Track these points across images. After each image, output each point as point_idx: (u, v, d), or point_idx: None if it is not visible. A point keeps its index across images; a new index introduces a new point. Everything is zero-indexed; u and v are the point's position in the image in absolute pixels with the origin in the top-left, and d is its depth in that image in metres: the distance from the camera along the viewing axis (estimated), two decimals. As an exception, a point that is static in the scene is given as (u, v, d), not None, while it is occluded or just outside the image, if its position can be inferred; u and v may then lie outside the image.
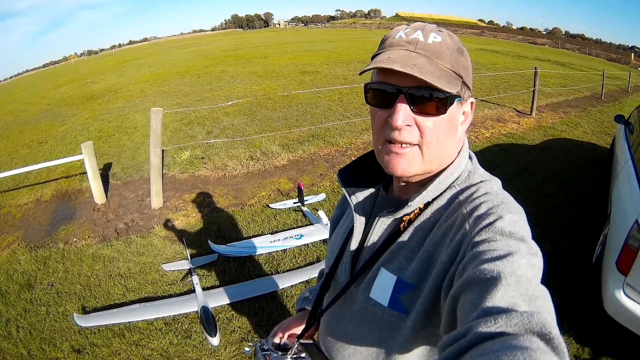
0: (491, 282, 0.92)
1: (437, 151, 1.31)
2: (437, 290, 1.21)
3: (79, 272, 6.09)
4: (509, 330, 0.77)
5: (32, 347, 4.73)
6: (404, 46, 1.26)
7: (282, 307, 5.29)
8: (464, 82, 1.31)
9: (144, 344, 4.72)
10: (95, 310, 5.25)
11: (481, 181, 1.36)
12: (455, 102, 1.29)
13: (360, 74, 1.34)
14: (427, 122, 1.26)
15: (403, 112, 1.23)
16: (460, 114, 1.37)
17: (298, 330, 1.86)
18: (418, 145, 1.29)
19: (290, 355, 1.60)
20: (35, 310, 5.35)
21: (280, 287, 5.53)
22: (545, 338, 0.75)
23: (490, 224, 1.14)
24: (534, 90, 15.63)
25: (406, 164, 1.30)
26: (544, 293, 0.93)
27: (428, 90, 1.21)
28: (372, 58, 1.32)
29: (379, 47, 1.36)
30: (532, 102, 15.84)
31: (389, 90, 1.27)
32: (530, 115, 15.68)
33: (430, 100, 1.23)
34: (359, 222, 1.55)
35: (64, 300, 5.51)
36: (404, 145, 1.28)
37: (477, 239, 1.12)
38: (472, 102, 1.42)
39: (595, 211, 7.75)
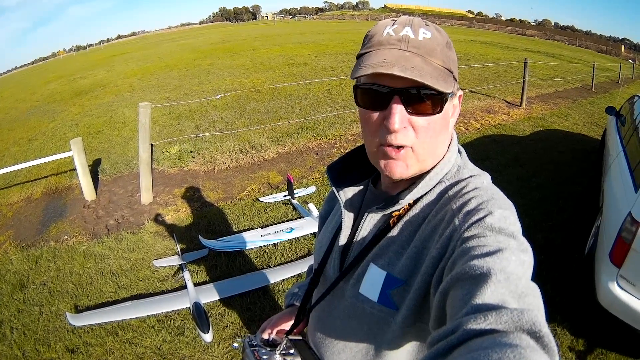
0: (481, 278, 0.92)
1: (431, 149, 1.31)
2: (427, 285, 1.21)
3: (71, 271, 6.08)
4: (499, 328, 0.77)
5: (26, 348, 4.72)
6: (395, 45, 1.22)
7: (274, 302, 5.30)
8: (454, 77, 1.29)
9: (137, 341, 4.72)
10: (88, 308, 5.24)
11: (471, 176, 1.36)
12: (448, 99, 1.28)
13: (353, 78, 1.28)
14: (423, 121, 1.24)
15: (399, 114, 1.21)
16: (450, 109, 1.36)
17: (287, 326, 1.86)
18: (412, 146, 1.27)
19: (279, 351, 1.61)
20: (29, 310, 5.33)
21: (272, 281, 5.54)
22: (535, 336, 0.75)
23: (480, 219, 1.14)
24: (523, 82, 15.69)
25: (403, 167, 1.29)
26: (534, 290, 0.93)
27: (423, 89, 1.19)
28: (359, 57, 1.29)
29: (364, 44, 1.32)
30: (522, 93, 15.92)
31: (382, 91, 1.23)
32: (520, 106, 15.76)
33: (426, 100, 1.21)
34: (348, 217, 1.54)
35: (56, 299, 5.50)
36: (399, 148, 1.26)
37: (466, 234, 1.12)
38: (460, 95, 1.42)
39: (586, 203, 7.79)
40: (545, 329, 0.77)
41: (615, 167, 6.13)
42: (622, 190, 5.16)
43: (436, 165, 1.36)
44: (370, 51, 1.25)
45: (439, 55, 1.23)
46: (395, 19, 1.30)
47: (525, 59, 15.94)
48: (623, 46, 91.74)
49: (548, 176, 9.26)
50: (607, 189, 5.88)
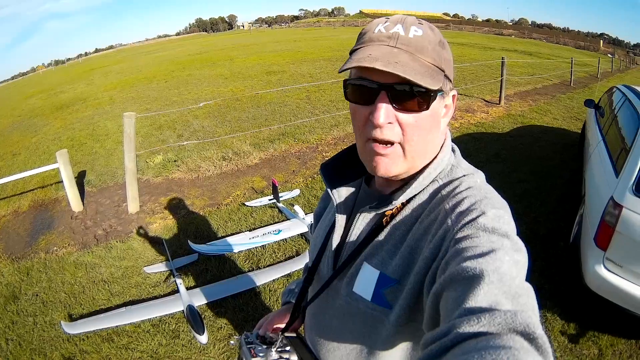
0: (474, 279, 0.93)
1: (419, 148, 1.30)
2: (420, 285, 1.22)
3: (62, 281, 6.09)
4: (492, 330, 0.78)
5: (22, 358, 4.73)
6: (384, 41, 1.23)
7: (266, 302, 5.36)
8: (446, 76, 1.28)
9: (133, 347, 4.75)
10: (82, 317, 5.26)
11: (464, 175, 1.36)
12: (437, 97, 1.28)
13: (340, 72, 1.27)
14: (409, 118, 1.24)
15: (384, 110, 1.21)
16: (442, 108, 1.35)
17: (283, 323, 1.88)
18: (400, 143, 1.27)
19: (275, 349, 1.59)
20: (23, 321, 5.34)
21: (262, 282, 5.60)
22: (529, 337, 0.76)
23: (473, 219, 1.14)
24: (501, 80, 15.81)
25: (389, 164, 1.30)
26: (528, 290, 0.94)
27: (410, 86, 1.19)
28: (351, 53, 1.29)
29: (357, 41, 1.33)
30: (500, 92, 16.04)
31: (369, 87, 1.23)
32: (499, 104, 15.88)
33: (412, 96, 1.21)
34: (341, 216, 1.56)
35: (49, 309, 5.51)
36: (387, 145, 1.27)
37: (459, 235, 1.12)
38: (454, 95, 1.40)
39: (569, 194, 7.95)
40: (539, 330, 0.78)
41: (596, 156, 6.31)
42: (603, 177, 5.31)
43: (429, 164, 1.37)
44: (360, 47, 1.27)
45: (430, 52, 1.23)
46: (389, 17, 1.31)
47: (502, 58, 16.04)
48: (602, 41, 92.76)
49: (529, 170, 9.39)
50: (588, 177, 6.05)
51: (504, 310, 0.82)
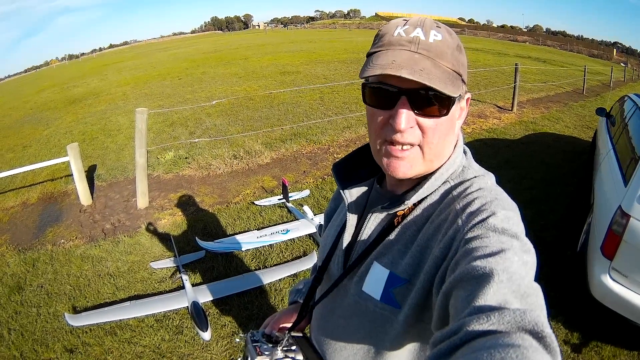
0: (483, 278, 0.93)
1: (438, 150, 1.31)
2: (430, 285, 1.22)
3: (68, 273, 6.10)
4: (501, 328, 0.78)
5: (24, 348, 4.74)
6: (405, 46, 1.22)
7: (271, 301, 5.34)
8: (462, 80, 1.29)
9: (135, 341, 4.74)
10: (86, 309, 5.26)
11: (475, 176, 1.36)
12: (455, 101, 1.28)
13: (362, 77, 1.28)
14: (430, 122, 1.24)
15: (406, 115, 1.21)
16: (458, 110, 1.36)
17: (289, 322, 1.86)
18: (419, 145, 1.27)
19: (281, 347, 1.58)
20: (26, 312, 5.34)
21: (268, 281, 5.58)
22: (538, 336, 0.76)
23: (483, 220, 1.14)
24: (514, 86, 15.75)
25: (407, 166, 1.30)
26: (537, 290, 0.94)
27: (431, 91, 1.19)
28: (368, 55, 1.29)
29: (374, 42, 1.32)
30: (513, 98, 15.97)
31: (390, 91, 1.23)
32: (511, 110, 15.80)
33: (433, 102, 1.21)
34: (352, 216, 1.55)
35: (54, 301, 5.51)
36: (404, 147, 1.27)
37: (469, 235, 1.12)
38: (468, 98, 1.42)
39: (578, 202, 7.88)
40: (547, 329, 0.78)
41: (605, 165, 6.27)
42: (612, 186, 5.27)
43: (442, 165, 1.37)
44: (380, 51, 1.26)
45: (449, 58, 1.23)
46: (407, 19, 1.30)
47: (516, 64, 16.02)
48: (615, 49, 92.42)
49: (539, 177, 9.35)
50: (597, 186, 6.01)
51: (513, 309, 0.82)
